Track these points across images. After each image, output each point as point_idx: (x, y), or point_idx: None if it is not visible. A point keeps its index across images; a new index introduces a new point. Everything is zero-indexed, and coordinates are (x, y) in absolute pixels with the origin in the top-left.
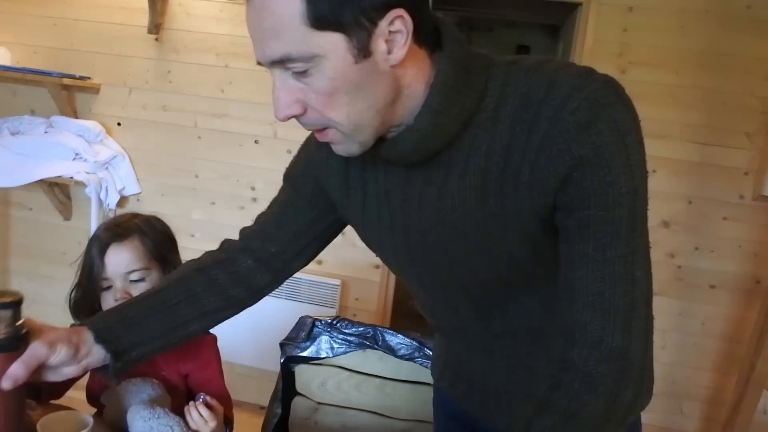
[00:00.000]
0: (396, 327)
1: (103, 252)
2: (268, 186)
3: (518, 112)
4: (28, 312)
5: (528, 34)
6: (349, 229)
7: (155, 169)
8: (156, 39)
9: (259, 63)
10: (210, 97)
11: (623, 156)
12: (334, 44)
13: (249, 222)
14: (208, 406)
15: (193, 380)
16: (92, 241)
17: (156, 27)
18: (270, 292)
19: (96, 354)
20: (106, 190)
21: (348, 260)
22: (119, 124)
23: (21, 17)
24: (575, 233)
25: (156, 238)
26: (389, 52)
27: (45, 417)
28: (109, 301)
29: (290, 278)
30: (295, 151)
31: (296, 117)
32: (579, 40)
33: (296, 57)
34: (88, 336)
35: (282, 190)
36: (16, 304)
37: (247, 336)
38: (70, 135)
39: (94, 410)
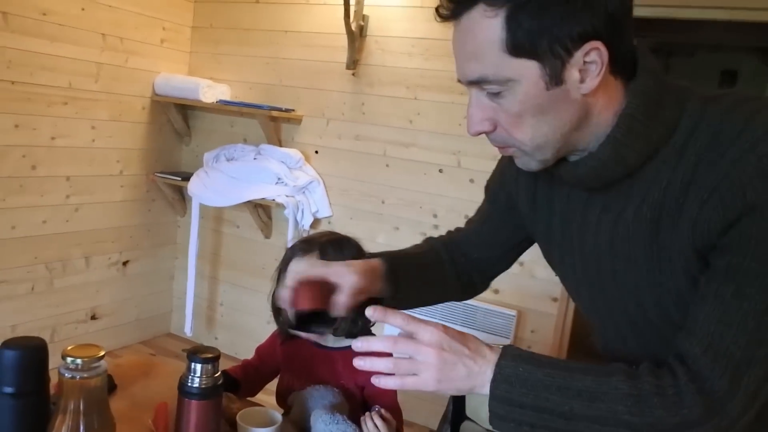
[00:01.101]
0: None
1: (287, 262)
2: (450, 213)
3: (706, 151)
4: (231, 316)
5: (735, 57)
6: (526, 260)
7: (346, 194)
8: (353, 74)
9: (459, 81)
10: (399, 128)
11: None
12: (528, 70)
13: None
14: (382, 418)
15: (368, 392)
16: (287, 251)
17: (354, 63)
18: (481, 291)
19: (379, 288)
20: (302, 212)
21: (525, 290)
22: (316, 152)
23: (240, 58)
24: (720, 274)
25: (336, 257)
26: (582, 81)
27: (243, 411)
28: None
29: (466, 305)
30: (477, 181)
31: (486, 133)
32: None
33: (492, 79)
34: (381, 271)
35: (483, 201)
36: (215, 359)
37: None
38: (275, 161)
39: (281, 410)
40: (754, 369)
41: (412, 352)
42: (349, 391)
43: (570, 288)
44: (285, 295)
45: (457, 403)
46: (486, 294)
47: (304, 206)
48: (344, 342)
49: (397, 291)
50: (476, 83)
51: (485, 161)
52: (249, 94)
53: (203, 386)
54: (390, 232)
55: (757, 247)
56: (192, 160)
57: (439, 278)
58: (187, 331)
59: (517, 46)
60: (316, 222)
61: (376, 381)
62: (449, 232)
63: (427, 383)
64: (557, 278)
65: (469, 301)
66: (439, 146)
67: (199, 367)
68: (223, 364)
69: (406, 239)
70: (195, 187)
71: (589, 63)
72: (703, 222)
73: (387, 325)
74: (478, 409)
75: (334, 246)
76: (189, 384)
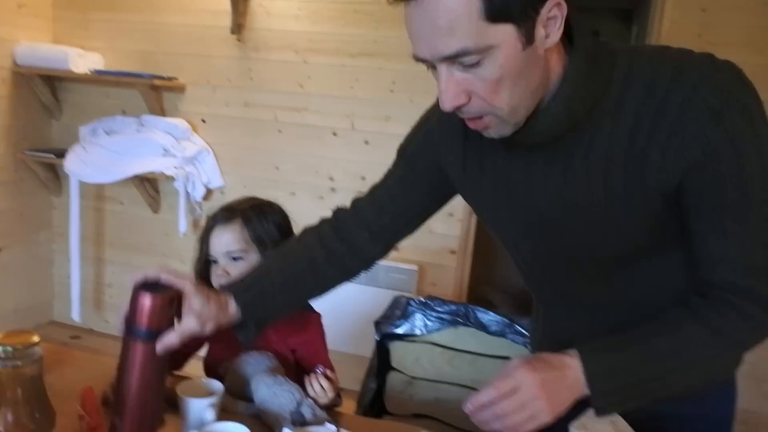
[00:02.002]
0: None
1: (209, 231)
2: (347, 176)
3: (643, 98)
4: (122, 298)
5: (596, 19)
6: None
7: (238, 162)
8: (238, 39)
9: (418, 60)
10: (289, 93)
11: (753, 138)
12: (506, 35)
13: (328, 212)
14: (327, 377)
15: (300, 354)
16: (208, 220)
17: (238, 27)
18: (380, 260)
19: (235, 321)
20: (193, 184)
21: (425, 246)
22: (204, 120)
23: (111, 24)
24: (709, 212)
25: (260, 223)
26: (546, 36)
27: (182, 383)
28: (215, 278)
29: None
30: (372, 143)
31: (460, 107)
32: (655, 23)
33: (473, 50)
34: (232, 309)
35: (396, 165)
36: (171, 298)
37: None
38: (160, 132)
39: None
40: None
41: (519, 404)
42: (281, 355)
43: (507, 242)
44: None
45: (382, 355)
46: None
47: (194, 177)
48: None
49: (262, 327)
50: (452, 58)
51: (379, 122)
52: (125, 62)
53: (153, 327)
54: (286, 198)
55: (731, 179)
56: (64, 136)
57: (318, 276)
58: (75, 316)
59: (494, 12)
60: (208, 193)
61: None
62: (352, 204)
63: (545, 419)
64: (454, 232)
65: None
66: (331, 110)
67: (148, 301)
68: (117, 346)
69: (303, 204)
70: (72, 163)
71: (551, 18)
72: (668, 164)
73: None
74: (404, 359)
75: (257, 212)
76: (137, 323)
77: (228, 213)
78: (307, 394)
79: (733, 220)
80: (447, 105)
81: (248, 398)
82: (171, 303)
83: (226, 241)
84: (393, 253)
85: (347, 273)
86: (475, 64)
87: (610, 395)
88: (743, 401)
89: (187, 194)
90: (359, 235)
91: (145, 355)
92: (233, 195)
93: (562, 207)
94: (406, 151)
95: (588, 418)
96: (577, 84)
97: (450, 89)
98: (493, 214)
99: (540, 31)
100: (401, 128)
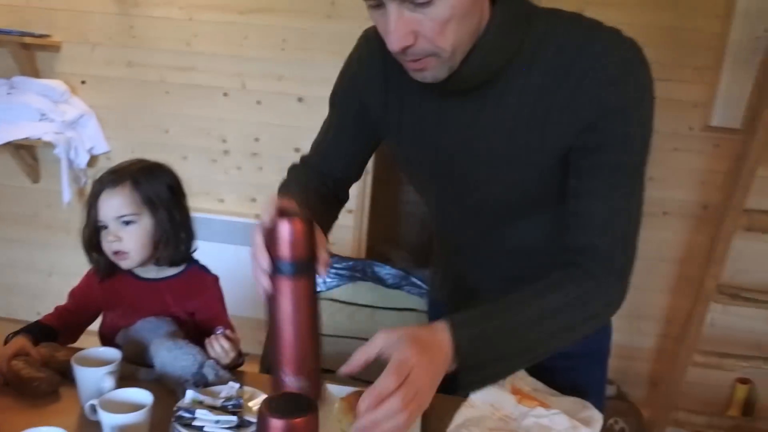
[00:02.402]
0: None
1: (97, 196)
2: (240, 137)
3: (554, 58)
4: (2, 276)
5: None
6: None
7: (124, 126)
8: None
9: None
10: (176, 51)
11: (642, 112)
12: None
13: (222, 174)
14: (228, 338)
15: (199, 318)
16: (94, 184)
17: None
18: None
19: None
20: (75, 150)
21: None
22: (83, 82)
23: None
24: (588, 171)
25: (150, 185)
26: None
27: (77, 354)
28: (106, 243)
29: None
30: (264, 102)
31: (407, 48)
32: None
33: None
34: None
35: (330, 115)
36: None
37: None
38: (34, 95)
39: None
40: (632, 239)
41: (414, 389)
42: (180, 319)
43: (418, 185)
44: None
45: None
46: None
47: (76, 143)
48: (168, 271)
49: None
50: None
51: (271, 82)
52: None
53: (301, 257)
54: (178, 162)
55: (615, 143)
56: None
57: (333, 204)
58: None
59: None
60: (93, 159)
61: None
62: (303, 161)
63: (427, 402)
64: (351, 191)
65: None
66: (221, 69)
67: (296, 227)
68: (3, 328)
69: (195, 168)
70: None
71: None
72: (565, 124)
73: None
74: None
75: (146, 173)
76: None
77: (115, 176)
78: (209, 356)
79: (605, 182)
80: (395, 45)
81: (148, 364)
82: (313, 227)
83: (116, 205)
84: None
85: (338, 207)
86: (427, 3)
87: (475, 371)
88: (619, 337)
89: (70, 161)
90: (329, 184)
91: (297, 289)
92: (120, 160)
93: (468, 154)
94: (335, 99)
95: None
96: (497, 36)
97: (399, 29)
98: (408, 156)
99: None
100: (294, 87)
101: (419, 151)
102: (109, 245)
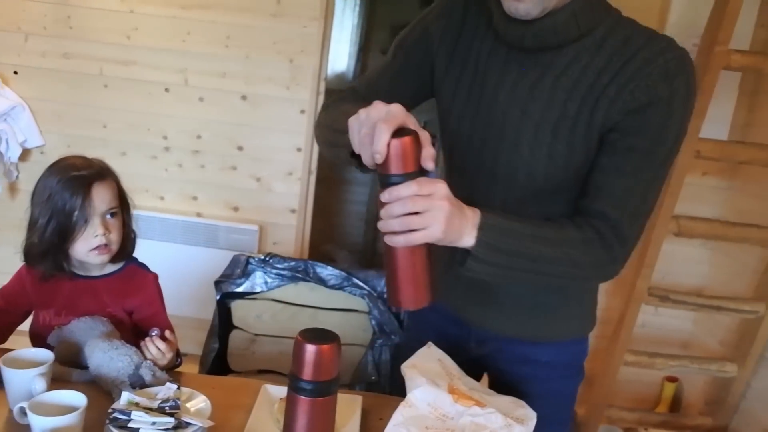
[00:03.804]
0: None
1: (87, 190)
2: (181, 134)
3: (620, 46)
4: None
5: None
6: (264, 175)
7: (59, 120)
8: None
9: None
10: (115, 44)
11: (683, 110)
12: None
13: (163, 171)
14: (163, 338)
15: (138, 316)
16: (66, 182)
17: None
18: None
19: None
20: (7, 143)
21: (264, 205)
22: (16, 72)
23: None
24: (621, 151)
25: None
26: None
27: (6, 354)
28: (87, 238)
29: (207, 225)
30: (206, 99)
31: None
32: None
33: None
34: None
35: (393, 59)
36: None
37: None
38: None
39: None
40: (643, 218)
41: (427, 206)
42: (117, 318)
43: (457, 140)
44: (381, 150)
45: (223, 314)
46: (225, 212)
47: (8, 135)
48: (107, 269)
49: None
50: None
51: (214, 78)
52: None
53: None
54: (117, 158)
55: (654, 131)
56: None
57: None
58: None
59: None
60: (26, 153)
61: (388, 240)
62: (352, 89)
63: (435, 233)
64: (293, 191)
65: (209, 221)
66: (163, 64)
67: (405, 142)
68: None
69: (135, 164)
70: None
71: None
72: (618, 102)
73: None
74: (246, 317)
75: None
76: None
77: (98, 169)
78: (145, 357)
79: (634, 164)
80: None
81: (82, 366)
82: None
83: (107, 198)
84: (233, 214)
85: None
86: None
87: (488, 249)
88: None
89: (0, 154)
90: None
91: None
92: (55, 155)
93: (519, 115)
94: (404, 43)
95: (418, 356)
96: (582, 7)
97: None
98: (459, 111)
99: None
100: (237, 85)
101: (473, 107)
102: (90, 240)
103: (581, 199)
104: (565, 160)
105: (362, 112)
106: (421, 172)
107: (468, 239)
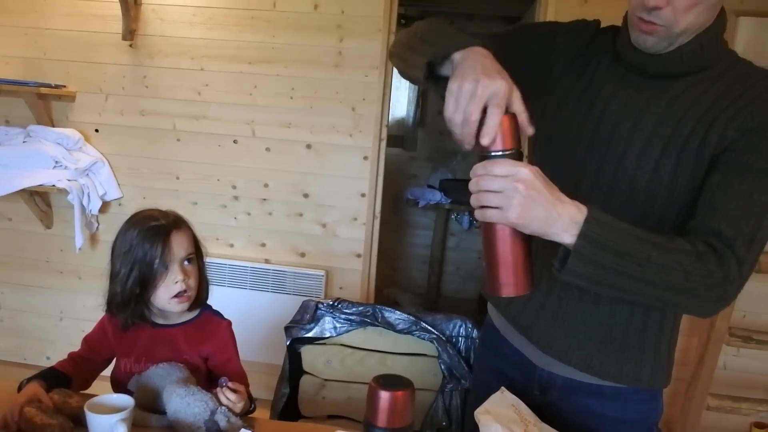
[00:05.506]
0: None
1: (166, 239)
2: (249, 183)
3: (741, 77)
4: (13, 320)
5: (486, 25)
6: (329, 221)
7: (135, 173)
8: (130, 45)
9: None
10: (187, 100)
11: None
12: None
13: (232, 220)
14: (232, 389)
15: (213, 362)
16: (145, 233)
17: (130, 33)
18: None
19: None
20: (88, 197)
21: (331, 250)
22: (97, 130)
23: None
24: (736, 170)
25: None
26: None
27: (90, 400)
28: (168, 285)
29: (275, 271)
30: (272, 149)
31: (656, 7)
32: None
33: None
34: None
35: (510, 31)
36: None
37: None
38: (49, 143)
39: None
40: (758, 244)
41: (503, 186)
42: (193, 364)
43: (562, 146)
44: (493, 134)
45: (293, 359)
46: (293, 258)
47: (89, 189)
48: (183, 317)
49: None
50: None
51: (280, 129)
52: (6, 69)
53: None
54: (188, 208)
55: None
56: None
57: None
58: None
59: None
60: (105, 205)
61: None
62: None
63: (509, 215)
64: (359, 236)
65: (277, 266)
66: (231, 117)
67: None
68: (10, 372)
69: (205, 213)
70: None
71: None
72: (736, 121)
73: None
74: (315, 362)
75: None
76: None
77: (173, 218)
78: (220, 403)
79: (750, 185)
80: (650, 2)
81: (160, 411)
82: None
83: (186, 245)
84: (299, 259)
85: None
86: None
87: (592, 245)
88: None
89: (83, 207)
90: None
91: None
92: (132, 207)
93: (630, 128)
94: (528, 27)
95: (491, 402)
96: (712, 38)
97: None
98: (566, 119)
99: None
100: (302, 134)
101: (580, 116)
102: (171, 287)
103: (691, 220)
104: (670, 176)
105: (467, 85)
106: (518, 153)
107: (565, 235)
